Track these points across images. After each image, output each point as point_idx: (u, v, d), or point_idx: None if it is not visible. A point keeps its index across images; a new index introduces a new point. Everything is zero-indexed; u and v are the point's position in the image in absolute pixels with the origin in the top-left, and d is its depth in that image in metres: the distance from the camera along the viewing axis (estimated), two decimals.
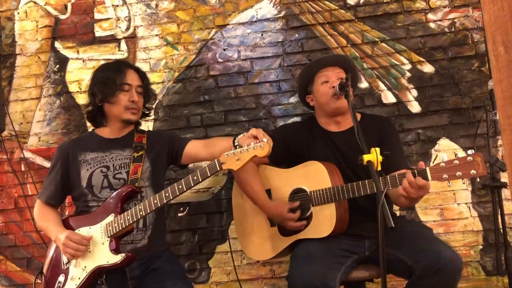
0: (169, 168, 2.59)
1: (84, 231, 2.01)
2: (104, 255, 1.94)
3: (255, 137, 1.77)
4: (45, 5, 3.07)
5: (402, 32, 2.77)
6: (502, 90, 1.01)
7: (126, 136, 2.21)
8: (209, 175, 1.82)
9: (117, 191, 2.02)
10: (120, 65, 2.23)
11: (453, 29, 2.73)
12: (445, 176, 1.69)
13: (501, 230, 2.24)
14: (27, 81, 3.04)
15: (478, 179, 1.75)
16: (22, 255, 2.90)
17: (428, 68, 2.73)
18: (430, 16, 2.76)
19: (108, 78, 2.15)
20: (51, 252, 2.10)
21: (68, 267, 2.00)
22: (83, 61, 3.01)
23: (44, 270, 2.09)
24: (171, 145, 2.20)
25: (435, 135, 2.68)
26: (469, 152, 1.67)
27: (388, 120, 2.32)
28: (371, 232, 1.96)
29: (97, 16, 3.03)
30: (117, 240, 1.95)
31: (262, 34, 2.88)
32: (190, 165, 2.36)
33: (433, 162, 2.61)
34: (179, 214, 2.81)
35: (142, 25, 2.98)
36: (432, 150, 2.67)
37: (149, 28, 2.97)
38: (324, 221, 1.99)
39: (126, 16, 3.00)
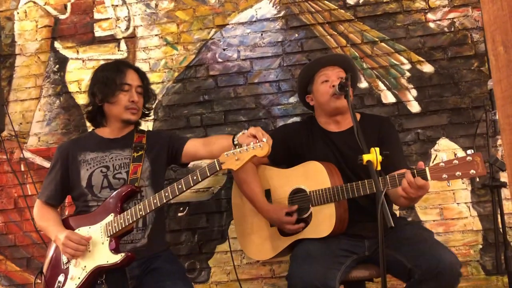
0: (169, 168, 2.59)
1: (84, 230, 2.01)
2: (104, 255, 1.94)
3: (254, 136, 1.77)
4: (44, 5, 3.07)
5: (401, 32, 2.77)
6: (502, 90, 1.01)
7: (126, 136, 2.21)
8: (208, 175, 1.82)
9: (116, 191, 2.02)
10: (120, 65, 2.23)
11: (452, 29, 2.73)
12: (444, 176, 1.69)
13: (501, 230, 2.24)
14: (26, 81, 3.04)
15: (478, 179, 1.75)
16: (22, 255, 2.90)
17: (427, 68, 2.73)
18: (430, 16, 2.76)
19: (108, 78, 2.15)
20: (51, 252, 2.11)
21: (68, 266, 2.00)
22: (83, 61, 3.01)
23: (44, 270, 2.09)
24: (170, 145, 2.20)
25: (434, 135, 2.68)
26: (469, 152, 1.67)
27: (387, 120, 2.32)
28: (371, 232, 1.96)
29: (96, 16, 3.03)
30: (117, 240, 1.95)
31: (261, 34, 2.88)
32: (190, 165, 2.35)
33: (433, 162, 2.62)
34: (179, 214, 2.81)
35: (141, 25, 2.98)
36: (432, 150, 2.68)
37: (149, 28, 2.97)
38: (323, 221, 1.99)
39: (126, 16, 3.00)
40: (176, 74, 2.92)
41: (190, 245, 2.79)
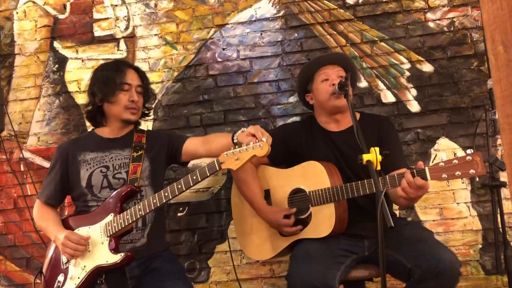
0: (169, 168, 2.59)
1: (83, 230, 2.01)
2: (103, 255, 1.94)
3: (254, 135, 1.76)
4: (44, 4, 3.07)
5: (401, 31, 2.77)
6: (501, 89, 1.01)
7: (126, 135, 2.21)
8: (208, 174, 1.82)
9: (116, 191, 2.02)
10: (120, 65, 2.23)
11: (452, 28, 2.73)
12: (444, 175, 1.69)
13: (501, 229, 2.24)
14: (26, 81, 3.03)
15: (478, 179, 1.75)
16: (21, 255, 2.90)
17: (427, 67, 2.73)
18: (429, 15, 2.76)
19: (108, 77, 2.15)
20: (50, 252, 2.10)
21: (68, 266, 2.00)
22: (82, 60, 3.01)
23: (44, 270, 2.09)
24: (170, 144, 2.20)
25: (434, 135, 2.68)
26: (468, 151, 1.67)
27: (387, 119, 2.32)
28: (371, 232, 1.96)
29: (96, 15, 3.02)
30: (117, 240, 1.95)
31: (261, 34, 2.88)
32: (190, 165, 2.35)
33: (432, 162, 2.62)
34: (179, 214, 2.81)
35: (141, 25, 2.97)
36: (432, 150, 2.67)
37: (148, 28, 2.97)
38: (323, 221, 1.99)
39: (125, 16, 3.00)
40: (175, 73, 2.91)
41: (189, 245, 2.79)
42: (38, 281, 2.11)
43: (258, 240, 2.20)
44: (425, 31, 2.75)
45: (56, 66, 3.02)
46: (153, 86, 2.63)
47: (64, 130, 2.96)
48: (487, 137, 2.33)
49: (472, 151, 1.67)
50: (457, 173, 1.67)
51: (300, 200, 2.08)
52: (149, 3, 2.98)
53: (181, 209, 2.81)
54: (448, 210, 2.63)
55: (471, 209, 2.62)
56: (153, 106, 2.47)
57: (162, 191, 1.90)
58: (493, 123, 2.53)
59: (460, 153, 1.69)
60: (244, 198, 2.21)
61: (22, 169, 2.96)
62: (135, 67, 2.29)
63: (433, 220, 2.63)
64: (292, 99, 2.79)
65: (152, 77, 2.85)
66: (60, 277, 2.00)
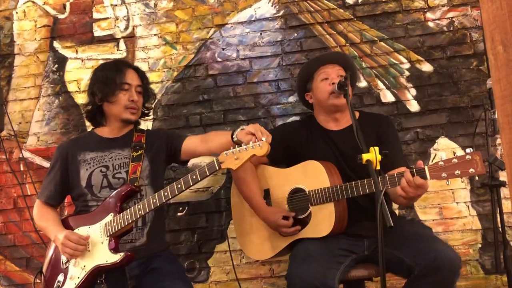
0: (168, 168, 2.59)
1: (83, 230, 2.01)
2: (103, 254, 1.94)
3: (253, 134, 1.76)
4: (43, 4, 3.07)
5: (400, 31, 2.77)
6: (501, 89, 1.01)
7: (126, 135, 2.21)
8: (208, 174, 1.82)
9: (116, 191, 2.02)
10: (119, 65, 2.23)
11: (451, 28, 2.73)
12: (443, 175, 1.69)
13: (500, 229, 2.24)
14: (25, 81, 3.03)
15: (477, 178, 1.74)
16: (21, 255, 2.90)
17: (426, 67, 2.73)
18: (429, 15, 2.76)
19: (108, 77, 2.15)
20: (50, 252, 2.10)
21: (67, 266, 2.00)
22: (82, 60, 3.01)
23: (44, 270, 2.09)
24: (169, 143, 2.20)
25: (434, 134, 2.68)
26: (468, 150, 1.67)
27: (387, 118, 2.31)
28: (370, 232, 1.96)
29: (95, 15, 3.02)
30: (117, 239, 1.95)
31: (261, 34, 2.88)
32: (189, 165, 2.35)
33: (432, 161, 2.61)
34: (178, 214, 2.81)
35: (140, 25, 2.97)
36: (431, 149, 2.68)
37: (148, 28, 2.97)
38: (323, 221, 1.99)
39: (125, 16, 3.00)
40: (175, 73, 2.91)
41: (189, 245, 2.79)
42: (38, 281, 2.11)
43: (258, 240, 2.20)
44: (425, 31, 2.75)
45: (56, 66, 3.02)
46: (152, 86, 2.63)
47: (64, 130, 2.96)
48: (486, 137, 2.33)
49: (472, 150, 1.67)
50: (457, 172, 1.67)
51: (300, 200, 2.08)
52: (148, 3, 2.98)
53: (180, 208, 2.81)
54: (447, 210, 2.63)
55: (471, 208, 2.62)
56: (153, 106, 2.47)
57: (161, 190, 1.90)
58: (493, 122, 2.52)
59: (460, 152, 1.69)
60: (244, 198, 2.21)
61: (21, 169, 2.96)
62: (135, 67, 2.29)
63: (433, 220, 2.63)
64: (292, 98, 2.80)
65: (151, 77, 2.85)
66: (60, 277, 2.00)
